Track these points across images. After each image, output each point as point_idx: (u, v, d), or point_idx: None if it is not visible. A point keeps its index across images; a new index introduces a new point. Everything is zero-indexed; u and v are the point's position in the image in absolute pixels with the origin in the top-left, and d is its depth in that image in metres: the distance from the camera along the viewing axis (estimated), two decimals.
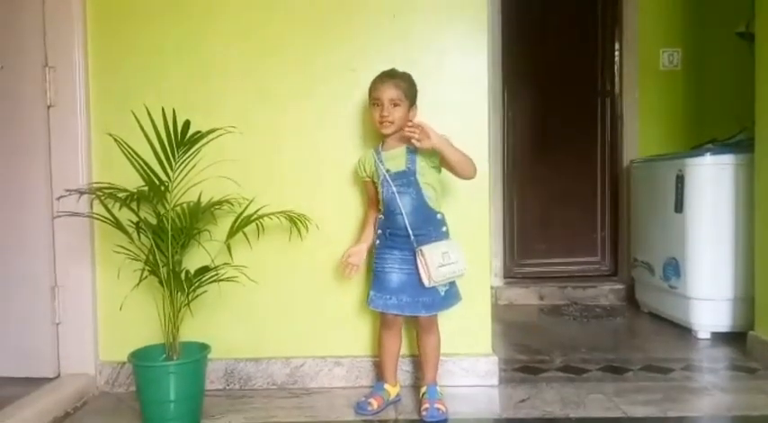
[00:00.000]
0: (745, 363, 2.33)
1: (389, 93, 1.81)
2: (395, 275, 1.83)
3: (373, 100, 1.85)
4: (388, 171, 1.84)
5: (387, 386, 1.94)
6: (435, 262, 1.76)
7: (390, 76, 1.85)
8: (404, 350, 2.07)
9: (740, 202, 2.64)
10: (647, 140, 3.59)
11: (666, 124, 3.60)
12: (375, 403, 1.87)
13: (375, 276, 1.88)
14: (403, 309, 1.83)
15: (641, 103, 3.62)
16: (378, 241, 1.90)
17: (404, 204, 1.81)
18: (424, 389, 1.90)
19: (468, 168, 1.84)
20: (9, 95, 2.04)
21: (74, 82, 2.03)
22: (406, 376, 2.10)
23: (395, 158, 1.86)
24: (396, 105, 1.82)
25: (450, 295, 1.87)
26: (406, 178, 1.83)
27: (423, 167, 1.84)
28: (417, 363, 2.08)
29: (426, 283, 1.78)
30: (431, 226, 1.84)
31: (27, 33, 2.03)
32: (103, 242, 2.07)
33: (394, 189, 1.82)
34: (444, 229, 1.87)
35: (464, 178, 1.87)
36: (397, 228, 1.83)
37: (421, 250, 1.77)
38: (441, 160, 1.84)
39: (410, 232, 1.80)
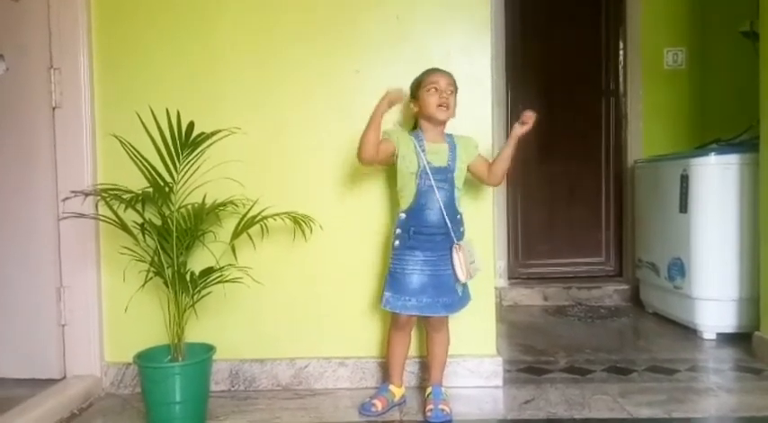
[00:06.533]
0: (750, 363, 2.32)
1: (447, 79, 1.84)
2: (415, 277, 1.80)
3: (430, 85, 1.82)
4: (429, 163, 1.81)
5: (392, 387, 1.94)
6: (468, 258, 1.80)
7: (441, 69, 1.87)
8: (410, 351, 2.07)
9: (745, 202, 2.63)
10: (652, 140, 3.59)
11: (671, 124, 3.59)
12: (379, 404, 1.87)
13: (393, 278, 1.83)
14: (422, 310, 1.81)
15: (645, 103, 3.62)
16: (397, 242, 1.83)
17: (444, 200, 1.80)
18: (429, 389, 1.90)
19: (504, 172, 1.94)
20: (15, 97, 2.05)
21: (79, 84, 2.04)
22: (411, 377, 2.10)
23: (437, 153, 1.84)
24: (451, 92, 1.84)
25: (465, 295, 1.89)
26: (445, 174, 1.83)
27: (459, 167, 1.86)
28: (423, 364, 2.09)
29: (463, 278, 1.80)
30: (455, 225, 1.84)
31: (32, 35, 2.04)
32: (109, 243, 2.07)
33: (433, 183, 1.79)
34: (463, 228, 1.88)
35: (495, 184, 1.97)
36: (425, 225, 1.80)
37: (460, 245, 1.80)
38: (479, 171, 1.92)
39: (449, 227, 1.80)
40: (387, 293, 1.83)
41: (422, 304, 1.80)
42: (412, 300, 1.80)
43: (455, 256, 1.80)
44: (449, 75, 1.85)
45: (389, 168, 2.06)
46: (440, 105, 1.81)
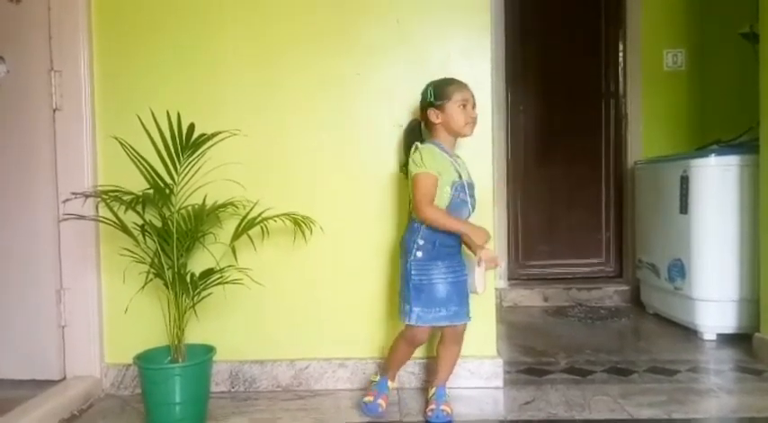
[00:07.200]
0: (750, 364, 2.32)
1: (472, 95, 1.85)
2: (441, 285, 1.78)
3: (460, 102, 1.81)
4: (461, 177, 1.82)
5: (389, 383, 1.96)
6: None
7: (463, 82, 1.86)
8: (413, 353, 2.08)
9: (745, 203, 2.63)
10: (652, 141, 3.59)
11: (670, 125, 3.59)
12: (384, 403, 1.89)
13: (419, 290, 1.77)
14: (452, 319, 1.79)
15: (645, 104, 3.62)
16: (419, 253, 1.78)
17: (470, 215, 1.82)
18: (433, 390, 1.89)
19: None
20: (15, 99, 2.06)
21: (79, 86, 2.04)
22: (411, 378, 2.10)
23: (463, 167, 1.86)
24: (474, 107, 1.85)
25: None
26: (473, 189, 1.86)
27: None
28: (424, 366, 2.09)
29: (482, 290, 1.79)
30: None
31: (33, 38, 2.04)
32: (109, 245, 2.08)
33: (467, 198, 1.81)
34: None
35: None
36: (450, 237, 1.79)
37: (481, 257, 1.78)
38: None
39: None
40: (415, 308, 1.77)
41: (451, 313, 1.78)
42: (442, 310, 1.78)
43: (478, 268, 1.78)
44: (471, 90, 1.85)
45: (391, 175, 2.07)
46: (467, 123, 1.83)
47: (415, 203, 1.76)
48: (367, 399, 1.91)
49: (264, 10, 2.09)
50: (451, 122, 1.82)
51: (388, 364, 1.97)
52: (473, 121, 1.84)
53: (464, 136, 1.86)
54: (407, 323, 1.79)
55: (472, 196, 1.85)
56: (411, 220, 1.84)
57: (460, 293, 1.81)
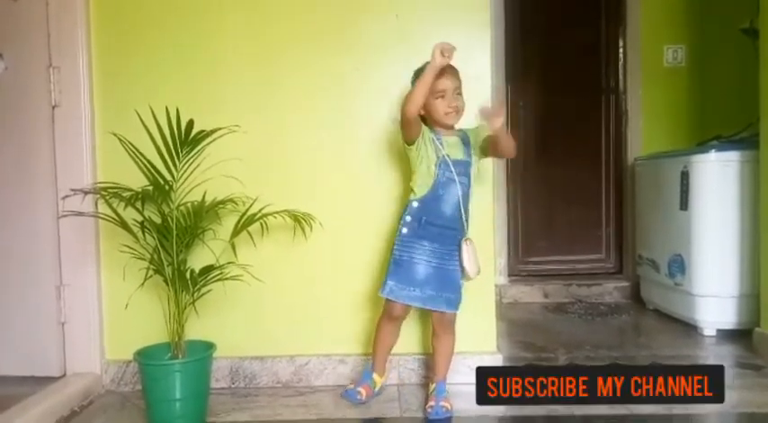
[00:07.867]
0: (750, 360, 2.32)
1: (454, 82, 1.80)
2: (422, 267, 1.79)
3: (438, 92, 1.77)
4: (447, 155, 1.79)
5: (375, 376, 1.96)
6: (477, 254, 1.82)
7: (449, 66, 1.78)
8: (411, 348, 2.08)
9: (745, 199, 2.63)
10: (652, 137, 3.58)
11: (671, 121, 3.59)
12: (364, 393, 1.91)
13: (398, 265, 1.80)
14: (425, 302, 1.80)
15: (645, 100, 3.61)
16: (405, 229, 1.81)
17: (462, 193, 1.80)
18: (432, 386, 1.89)
19: (514, 145, 1.84)
20: (14, 96, 2.05)
21: (78, 82, 2.04)
22: (410, 374, 2.10)
23: (453, 146, 1.83)
24: (458, 94, 1.82)
25: (462, 292, 1.87)
26: (464, 167, 1.82)
27: (474, 161, 1.86)
28: (424, 361, 2.09)
29: (473, 275, 1.81)
30: (467, 221, 1.84)
31: (31, 34, 2.03)
32: (108, 241, 2.07)
33: (455, 177, 1.78)
34: (468, 226, 1.86)
35: (508, 157, 1.91)
36: (438, 216, 1.79)
37: (471, 240, 1.80)
38: (490, 145, 1.83)
39: (462, 222, 1.81)
40: (390, 282, 1.80)
41: (425, 296, 1.79)
42: (416, 290, 1.79)
43: (465, 250, 1.79)
44: (456, 75, 1.81)
45: (391, 172, 2.07)
46: (447, 113, 1.80)
47: (401, 115, 1.75)
48: (350, 385, 1.95)
49: (264, 8, 2.08)
50: (432, 113, 1.81)
51: (374, 348, 1.97)
52: (455, 110, 1.80)
53: (448, 125, 1.83)
54: (381, 295, 1.82)
55: (462, 174, 1.80)
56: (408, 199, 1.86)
57: (443, 281, 1.80)
